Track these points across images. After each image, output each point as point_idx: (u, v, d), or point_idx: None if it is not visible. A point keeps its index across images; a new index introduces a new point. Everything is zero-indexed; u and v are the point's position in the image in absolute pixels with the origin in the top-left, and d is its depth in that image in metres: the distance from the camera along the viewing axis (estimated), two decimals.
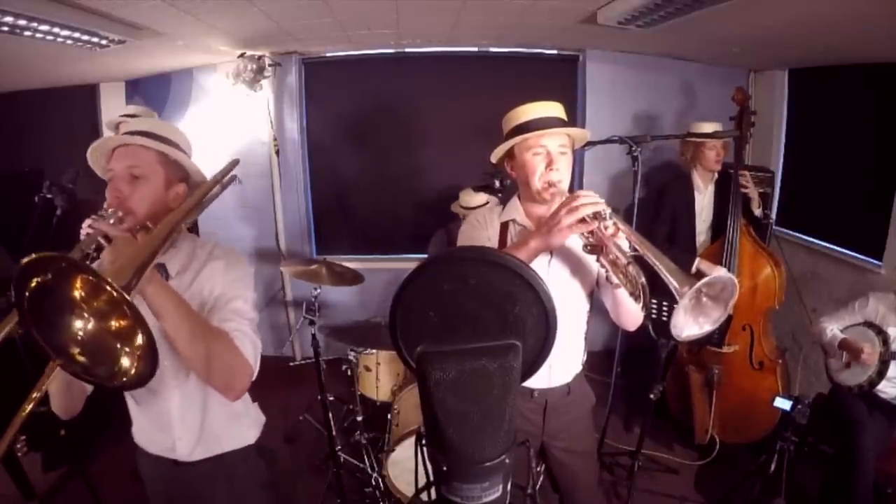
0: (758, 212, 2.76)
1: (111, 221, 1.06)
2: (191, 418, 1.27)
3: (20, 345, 1.89)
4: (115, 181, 1.14)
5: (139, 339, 0.83)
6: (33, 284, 0.78)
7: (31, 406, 0.93)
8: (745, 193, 2.67)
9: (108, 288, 0.78)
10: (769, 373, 2.62)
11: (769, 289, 2.60)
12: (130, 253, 0.92)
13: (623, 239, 1.18)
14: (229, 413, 1.31)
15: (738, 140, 2.69)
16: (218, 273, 1.22)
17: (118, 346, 0.84)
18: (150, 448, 1.32)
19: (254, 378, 1.17)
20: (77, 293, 0.82)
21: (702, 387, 2.72)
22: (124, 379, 0.85)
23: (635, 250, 1.12)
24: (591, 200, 1.18)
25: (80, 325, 0.83)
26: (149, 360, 0.84)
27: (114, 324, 0.84)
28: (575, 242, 1.38)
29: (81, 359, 0.84)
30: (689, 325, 1.02)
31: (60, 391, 1.12)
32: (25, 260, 0.76)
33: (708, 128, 2.76)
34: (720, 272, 0.97)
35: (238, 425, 1.35)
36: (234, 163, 1.38)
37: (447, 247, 3.03)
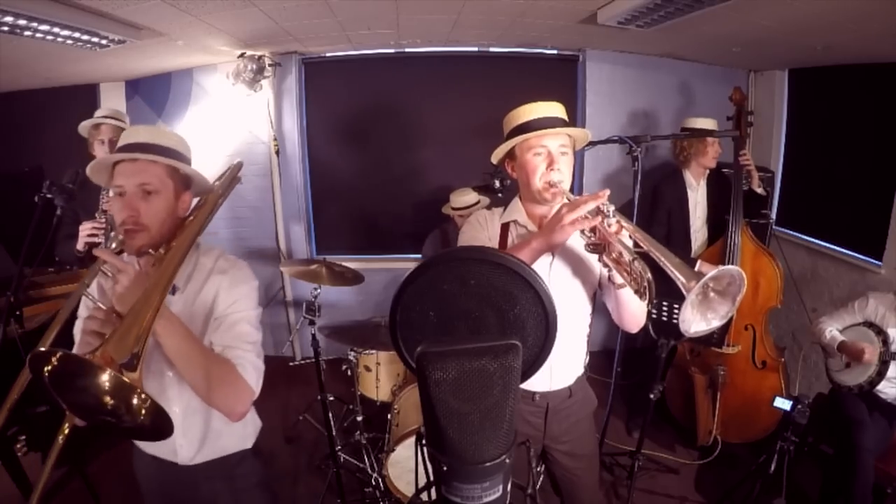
0: (759, 190, 2.78)
1: (113, 245, 1.07)
2: (193, 425, 1.27)
3: (20, 345, 1.90)
4: (128, 198, 1.14)
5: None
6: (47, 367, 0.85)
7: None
8: (746, 166, 2.69)
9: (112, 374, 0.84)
10: (772, 371, 2.62)
11: (771, 288, 2.61)
12: (132, 317, 0.93)
13: (626, 237, 1.17)
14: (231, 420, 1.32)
15: (738, 140, 2.69)
16: (223, 289, 1.23)
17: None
18: (149, 449, 1.32)
19: (255, 398, 1.20)
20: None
21: (705, 388, 2.72)
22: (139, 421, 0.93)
23: (638, 247, 1.11)
24: (593, 197, 1.18)
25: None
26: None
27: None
28: (577, 244, 1.37)
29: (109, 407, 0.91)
30: (696, 320, 1.01)
31: None
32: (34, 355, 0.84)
33: (703, 123, 2.76)
34: (726, 266, 0.96)
35: (239, 430, 1.36)
36: (238, 166, 1.36)
37: (442, 247, 3.02)
